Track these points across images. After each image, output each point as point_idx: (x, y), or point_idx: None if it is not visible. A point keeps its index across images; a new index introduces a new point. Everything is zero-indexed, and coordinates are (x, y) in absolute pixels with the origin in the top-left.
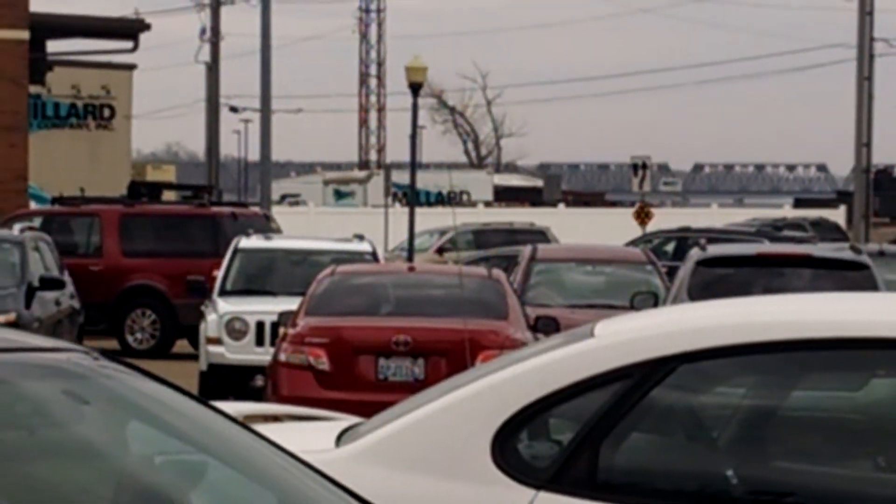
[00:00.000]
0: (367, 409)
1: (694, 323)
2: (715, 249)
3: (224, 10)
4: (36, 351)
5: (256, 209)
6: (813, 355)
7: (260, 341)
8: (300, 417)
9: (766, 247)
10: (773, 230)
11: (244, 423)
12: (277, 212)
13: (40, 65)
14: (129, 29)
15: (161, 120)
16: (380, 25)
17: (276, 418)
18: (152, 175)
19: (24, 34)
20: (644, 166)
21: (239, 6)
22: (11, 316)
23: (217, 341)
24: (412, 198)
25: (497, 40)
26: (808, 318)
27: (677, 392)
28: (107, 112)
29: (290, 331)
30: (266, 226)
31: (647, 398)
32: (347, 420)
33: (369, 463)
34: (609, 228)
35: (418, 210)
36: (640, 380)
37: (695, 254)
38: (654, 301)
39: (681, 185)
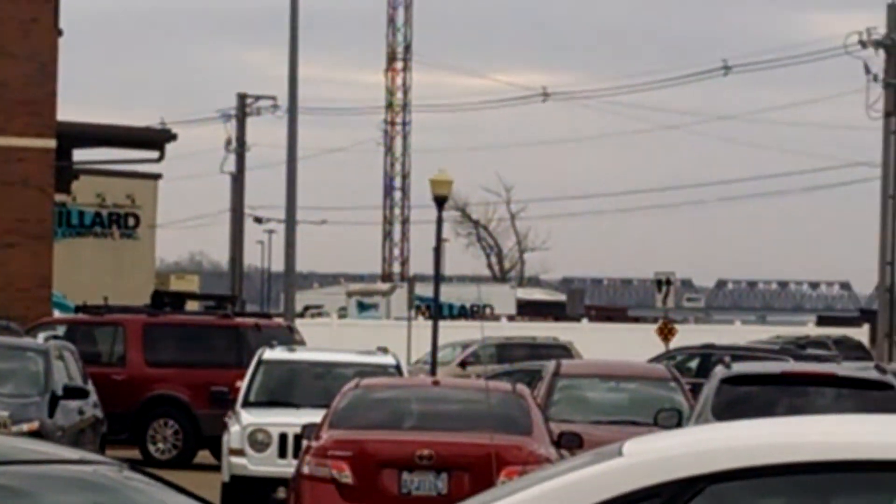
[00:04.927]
0: None
1: (723, 443)
2: (739, 367)
3: (250, 121)
4: (63, 463)
5: (280, 320)
6: (841, 477)
7: (283, 453)
8: None
9: (791, 365)
10: (796, 348)
11: None
12: (301, 323)
13: (66, 173)
14: (156, 139)
15: (185, 229)
16: (405, 138)
17: None
18: (176, 284)
19: (51, 143)
20: (668, 282)
21: (264, 117)
22: (35, 424)
23: (240, 452)
24: (436, 311)
25: (521, 154)
26: (836, 439)
27: None
28: (131, 221)
29: (314, 443)
30: (290, 337)
31: None
32: None
33: None
34: (632, 344)
35: (441, 323)
36: (668, 500)
37: (719, 371)
38: (679, 418)
39: (704, 301)
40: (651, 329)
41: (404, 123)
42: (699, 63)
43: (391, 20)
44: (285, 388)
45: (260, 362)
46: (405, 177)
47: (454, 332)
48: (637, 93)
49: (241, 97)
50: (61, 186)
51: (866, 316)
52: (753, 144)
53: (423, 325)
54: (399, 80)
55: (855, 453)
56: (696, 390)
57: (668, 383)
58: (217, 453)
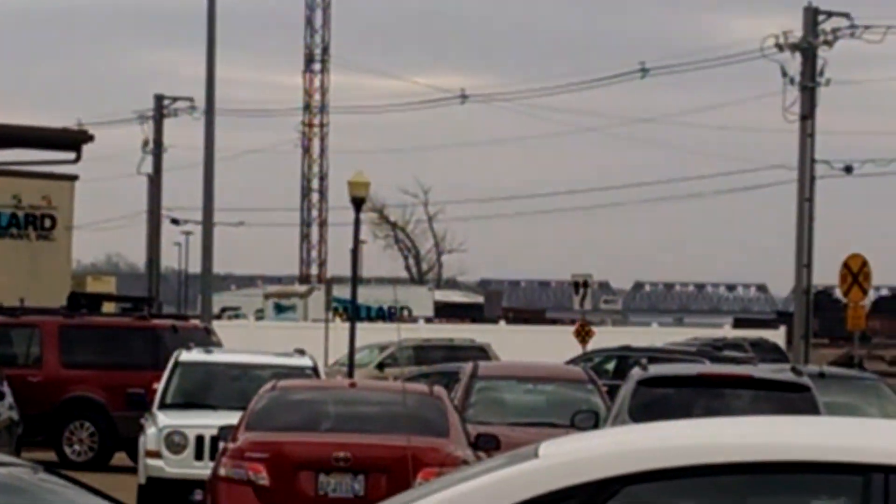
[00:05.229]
0: None
1: (639, 444)
2: (656, 369)
3: (167, 123)
4: None
5: (197, 322)
6: (755, 479)
7: (199, 455)
8: None
9: (708, 367)
10: (713, 350)
11: None
12: (218, 325)
13: None
14: (72, 140)
15: (102, 231)
16: (322, 140)
17: None
18: (92, 286)
19: None
20: (585, 284)
21: (182, 118)
22: None
23: (156, 454)
24: (353, 313)
25: (439, 156)
26: (752, 441)
27: None
28: (48, 222)
29: (231, 445)
30: (207, 339)
31: None
32: None
33: None
34: (549, 346)
35: (359, 325)
36: (584, 501)
37: (636, 373)
38: (595, 420)
39: (621, 303)
40: (568, 331)
41: (322, 125)
42: (617, 65)
43: (309, 22)
44: (202, 390)
45: (177, 364)
46: (323, 178)
47: (372, 334)
48: (555, 95)
49: (159, 98)
50: None
51: (783, 318)
52: (670, 147)
53: (340, 327)
54: (317, 82)
55: (771, 455)
56: (612, 392)
57: (585, 385)
58: (133, 455)
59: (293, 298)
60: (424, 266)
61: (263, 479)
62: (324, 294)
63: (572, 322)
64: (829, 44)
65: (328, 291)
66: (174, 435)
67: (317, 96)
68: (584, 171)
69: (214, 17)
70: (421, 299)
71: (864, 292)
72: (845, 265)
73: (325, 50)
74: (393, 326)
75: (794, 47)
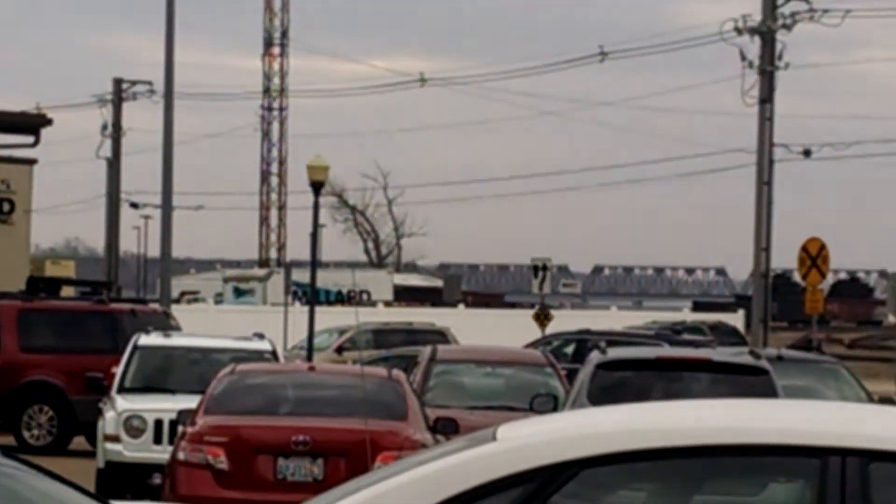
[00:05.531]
0: None
1: (596, 428)
2: (615, 353)
3: (126, 106)
4: None
5: (156, 306)
6: (713, 461)
7: (158, 439)
8: None
9: (666, 351)
10: (672, 333)
11: None
12: (177, 309)
13: None
14: (31, 123)
15: (61, 215)
16: (282, 124)
17: None
18: (51, 270)
19: None
20: (544, 268)
21: (141, 102)
22: None
23: (115, 439)
24: (312, 296)
25: (399, 140)
26: (710, 424)
27: (578, 497)
28: (6, 206)
29: (189, 429)
30: (165, 323)
31: (549, 503)
32: None
33: None
34: (508, 330)
35: (318, 309)
36: (541, 484)
37: (595, 357)
38: (554, 403)
39: (580, 286)
40: (527, 315)
41: (281, 109)
42: (577, 49)
43: (268, 5)
44: (161, 374)
45: (135, 348)
46: (282, 162)
47: (331, 317)
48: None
49: (118, 82)
50: None
51: (741, 301)
52: (630, 130)
53: (299, 311)
54: (276, 66)
55: (729, 438)
56: (571, 375)
57: (543, 369)
58: (92, 439)
59: (252, 282)
60: (384, 250)
61: (222, 462)
62: (283, 278)
63: (531, 306)
64: (788, 27)
65: (287, 275)
66: (133, 419)
67: (276, 80)
68: (543, 155)
69: (173, 1)
70: (380, 283)
71: (823, 276)
72: (804, 249)
73: (285, 33)
74: (352, 310)
75: (753, 31)
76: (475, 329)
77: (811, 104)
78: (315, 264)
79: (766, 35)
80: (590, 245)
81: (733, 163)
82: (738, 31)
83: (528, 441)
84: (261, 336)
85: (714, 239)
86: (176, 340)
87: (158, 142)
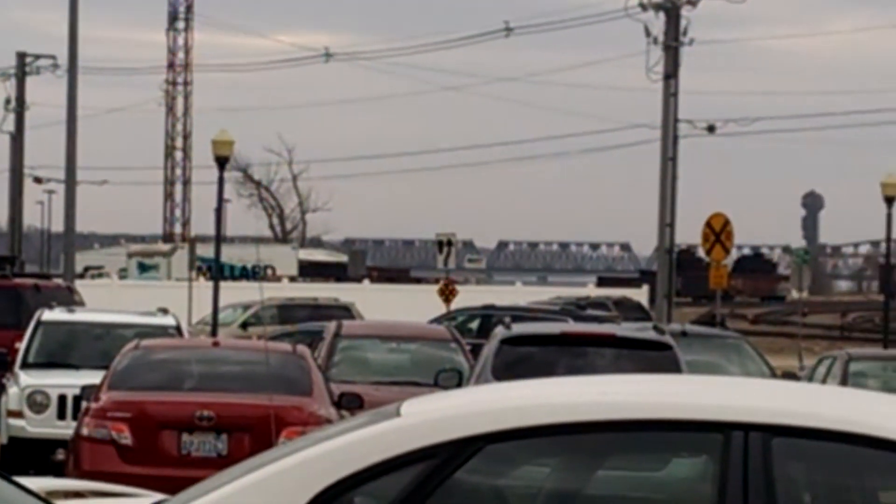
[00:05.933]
0: (170, 485)
1: (499, 403)
2: (519, 328)
3: (29, 80)
4: None
5: (60, 281)
6: (616, 436)
7: (62, 415)
8: (103, 494)
9: (570, 326)
10: (576, 309)
11: (46, 499)
12: (80, 284)
13: None
14: None
15: None
16: (186, 98)
17: (78, 494)
18: None
19: None
20: (449, 243)
21: (45, 76)
22: None
23: (18, 414)
24: (216, 272)
25: (303, 115)
26: (613, 399)
27: (482, 472)
28: None
29: (93, 405)
30: (69, 298)
31: (453, 478)
32: (150, 496)
33: None
34: (413, 305)
35: (222, 284)
36: (445, 460)
37: (499, 332)
38: (459, 379)
39: (485, 262)
40: (432, 290)
41: (185, 83)
42: (482, 24)
43: None
44: (64, 350)
45: (39, 323)
46: (186, 137)
47: (235, 293)
48: (419, 54)
49: (21, 56)
50: None
51: (646, 277)
52: (535, 106)
53: (204, 286)
54: (181, 41)
55: (632, 413)
56: (476, 351)
57: (448, 344)
58: None
59: (156, 258)
60: (289, 225)
61: (126, 438)
62: (187, 253)
63: (436, 281)
64: (692, 3)
65: (192, 250)
66: (36, 394)
67: (180, 55)
68: (448, 131)
69: None
70: (285, 258)
71: (727, 251)
72: (708, 224)
73: (189, 8)
74: (256, 285)
75: (657, 7)
76: (380, 304)
77: (716, 80)
78: (219, 239)
79: (671, 11)
80: (495, 220)
81: (638, 138)
82: (643, 6)
83: (433, 416)
84: (165, 311)
85: (619, 214)
86: (80, 316)
87: (62, 116)
